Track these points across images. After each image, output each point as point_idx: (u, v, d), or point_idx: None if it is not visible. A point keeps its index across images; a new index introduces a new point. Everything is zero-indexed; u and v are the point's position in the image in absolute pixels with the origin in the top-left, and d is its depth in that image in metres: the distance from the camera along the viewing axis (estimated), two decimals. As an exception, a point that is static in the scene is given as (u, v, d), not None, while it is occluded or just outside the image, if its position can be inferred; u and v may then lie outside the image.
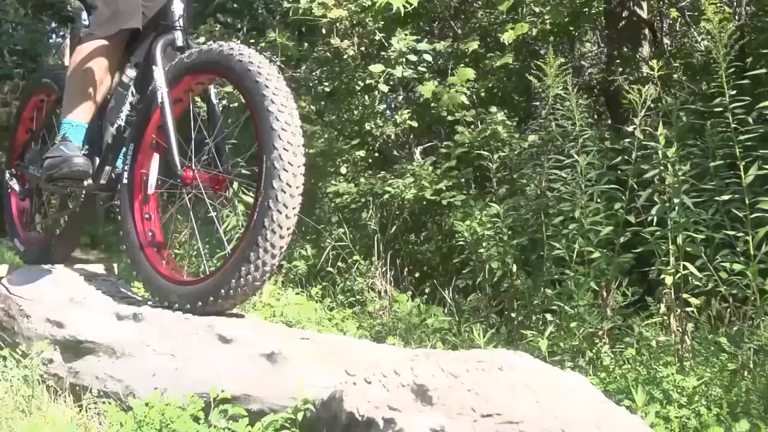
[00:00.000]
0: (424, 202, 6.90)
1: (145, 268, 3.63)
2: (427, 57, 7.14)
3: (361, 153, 7.73)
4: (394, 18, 6.93)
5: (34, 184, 4.45)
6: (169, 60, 3.67)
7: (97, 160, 3.88)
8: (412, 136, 7.88)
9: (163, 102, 3.48)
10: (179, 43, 3.71)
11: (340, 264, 6.58)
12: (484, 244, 5.70)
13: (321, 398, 2.56)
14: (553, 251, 4.83)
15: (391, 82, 7.20)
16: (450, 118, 7.17)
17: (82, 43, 3.85)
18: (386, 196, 6.97)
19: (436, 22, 8.95)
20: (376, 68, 6.95)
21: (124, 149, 3.78)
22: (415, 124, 7.47)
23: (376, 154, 8.05)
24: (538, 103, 6.54)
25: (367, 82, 7.23)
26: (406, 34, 6.99)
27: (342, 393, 2.40)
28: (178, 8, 3.73)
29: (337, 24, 6.75)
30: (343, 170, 7.76)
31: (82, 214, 4.27)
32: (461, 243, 5.97)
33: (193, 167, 3.49)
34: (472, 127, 7.12)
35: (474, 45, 7.62)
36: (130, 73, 3.89)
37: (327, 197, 7.71)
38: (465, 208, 6.51)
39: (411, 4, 6.35)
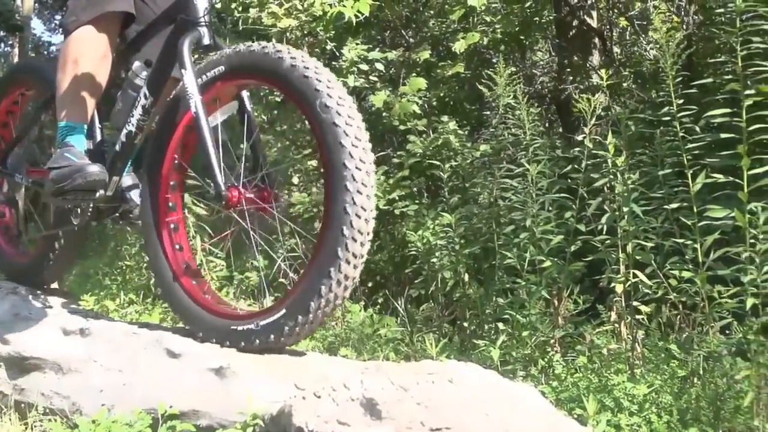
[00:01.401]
0: (377, 212, 6.86)
1: (187, 305, 3.21)
2: (379, 66, 7.13)
3: (314, 163, 7.70)
4: (345, 27, 6.92)
5: (17, 192, 4.07)
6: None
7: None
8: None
9: (197, 112, 2.99)
10: (206, 41, 3.20)
11: (292, 275, 6.53)
12: (436, 253, 5.70)
13: (270, 413, 2.53)
14: (505, 260, 4.84)
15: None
16: (402, 127, 7.17)
17: (69, 34, 3.41)
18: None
19: (388, 32, 8.95)
20: (327, 78, 6.90)
21: (143, 166, 3.40)
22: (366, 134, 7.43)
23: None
24: (489, 113, 6.57)
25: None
26: (357, 44, 6.97)
27: (291, 408, 2.37)
28: (202, 1, 3.22)
29: (288, 33, 6.71)
30: (296, 180, 7.73)
31: (83, 231, 3.86)
32: (414, 253, 5.97)
33: (239, 186, 3.02)
34: (424, 136, 7.12)
35: (425, 54, 7.64)
36: (139, 71, 3.41)
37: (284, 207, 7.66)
38: (417, 217, 6.51)
39: (362, 14, 6.33)
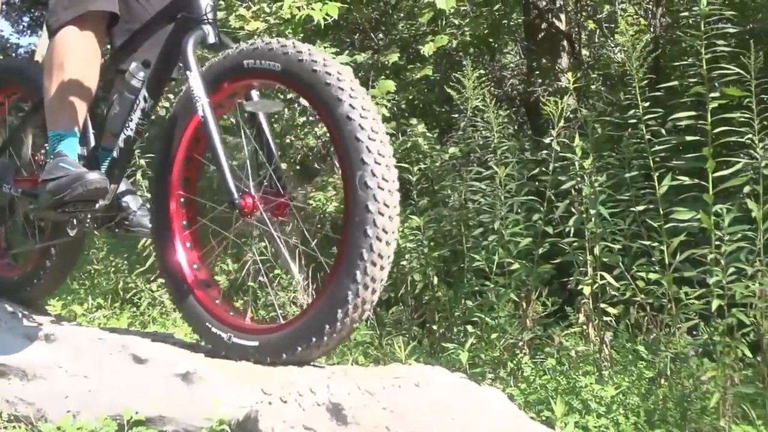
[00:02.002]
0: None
1: (206, 322, 3.07)
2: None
3: (283, 165, 7.68)
4: (314, 30, 6.91)
5: (3, 203, 3.79)
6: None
7: None
8: (332, 149, 7.85)
9: (205, 116, 2.82)
10: (211, 40, 3.01)
11: (261, 278, 6.51)
12: (405, 256, 5.70)
13: (237, 418, 2.52)
14: (474, 263, 4.85)
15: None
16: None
17: (53, 35, 3.25)
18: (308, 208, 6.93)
19: (357, 34, 8.95)
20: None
21: (151, 177, 3.24)
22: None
23: (298, 167, 8.01)
24: (458, 115, 6.58)
25: (288, 95, 7.18)
26: (326, 47, 6.96)
27: (257, 413, 2.36)
28: None
29: (256, 37, 6.68)
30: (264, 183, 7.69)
31: (79, 242, 3.67)
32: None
33: (252, 192, 2.83)
34: (393, 139, 7.12)
35: (394, 57, 7.64)
36: (137, 73, 3.23)
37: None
38: (387, 220, 6.48)
39: (331, 17, 6.32)
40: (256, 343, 2.86)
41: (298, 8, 6.33)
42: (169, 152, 3.11)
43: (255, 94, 3.05)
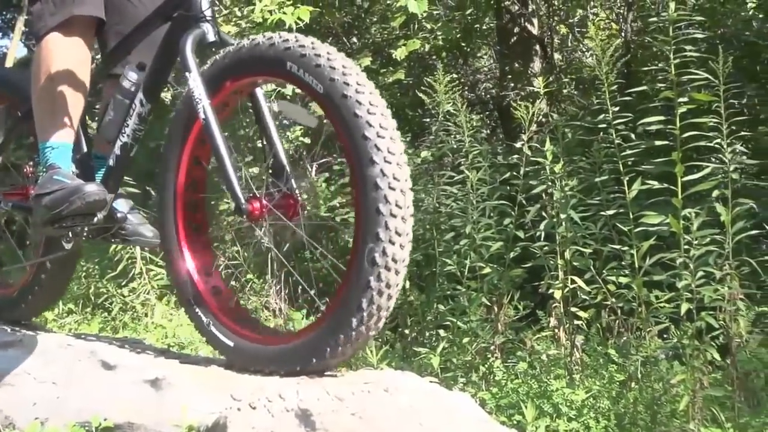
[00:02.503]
0: (318, 219, 6.86)
1: (218, 334, 2.95)
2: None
3: (255, 170, 7.66)
4: (286, 34, 6.89)
5: None
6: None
7: None
8: (305, 153, 7.84)
9: (207, 119, 2.66)
10: (211, 38, 2.84)
11: (233, 283, 6.48)
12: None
13: (206, 424, 2.51)
14: (446, 267, 4.86)
15: (287, 98, 7.15)
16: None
17: (40, 42, 3.08)
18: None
19: (329, 39, 8.95)
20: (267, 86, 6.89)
21: (159, 187, 3.04)
22: (308, 140, 7.43)
23: (270, 172, 7.99)
24: (429, 120, 6.59)
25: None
26: (298, 51, 6.94)
27: (226, 419, 2.35)
28: None
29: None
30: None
31: (74, 256, 3.51)
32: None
33: (260, 196, 2.70)
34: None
35: (367, 61, 7.64)
36: (132, 76, 3.07)
37: (221, 215, 7.61)
38: (359, 224, 6.49)
39: (303, 21, 6.31)
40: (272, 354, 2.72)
41: (270, 12, 6.32)
42: (173, 158, 2.98)
43: (259, 91, 2.88)
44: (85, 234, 3.11)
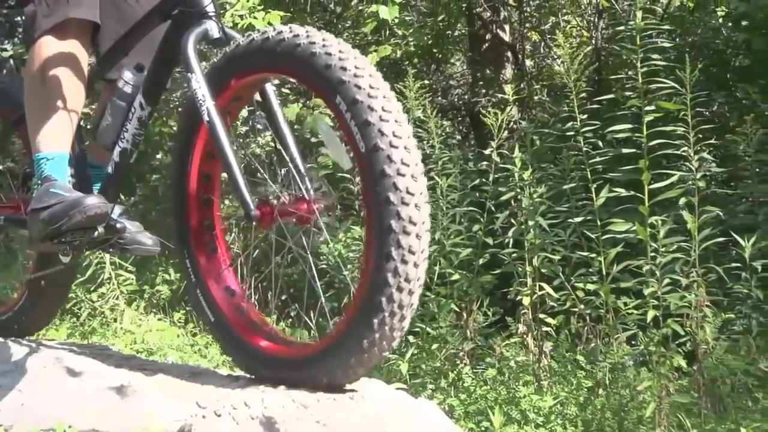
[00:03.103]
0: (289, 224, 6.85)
1: (243, 353, 2.77)
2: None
3: (224, 176, 7.63)
4: (257, 39, 6.87)
5: None
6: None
7: None
8: (276, 159, 7.81)
9: (212, 122, 2.49)
10: (215, 35, 2.66)
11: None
12: (348, 266, 5.69)
13: (171, 432, 2.50)
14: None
15: (254, 105, 7.13)
16: (314, 140, 7.14)
17: (33, 46, 2.90)
18: (250, 218, 6.89)
19: (301, 44, 8.94)
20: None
21: (174, 199, 2.89)
22: (279, 146, 7.40)
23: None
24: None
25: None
26: (269, 55, 6.93)
27: (191, 426, 2.34)
28: None
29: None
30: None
31: (71, 271, 3.36)
32: (325, 266, 5.95)
33: (270, 200, 2.53)
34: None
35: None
36: (130, 78, 2.90)
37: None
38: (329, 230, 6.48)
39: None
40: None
41: (241, 17, 6.31)
42: (183, 167, 2.80)
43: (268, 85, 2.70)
44: (84, 246, 2.94)
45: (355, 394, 2.30)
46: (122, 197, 7.42)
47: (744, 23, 6.69)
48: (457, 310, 4.72)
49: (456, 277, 4.66)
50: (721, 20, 7.72)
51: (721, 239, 4.18)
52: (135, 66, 2.93)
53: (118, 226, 2.92)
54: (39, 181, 2.85)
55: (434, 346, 4.49)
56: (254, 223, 2.47)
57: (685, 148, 3.95)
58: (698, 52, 7.97)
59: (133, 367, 3.01)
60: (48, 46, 2.87)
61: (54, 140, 2.88)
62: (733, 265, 4.28)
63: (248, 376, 2.82)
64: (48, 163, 2.86)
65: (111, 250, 3.04)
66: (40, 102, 2.89)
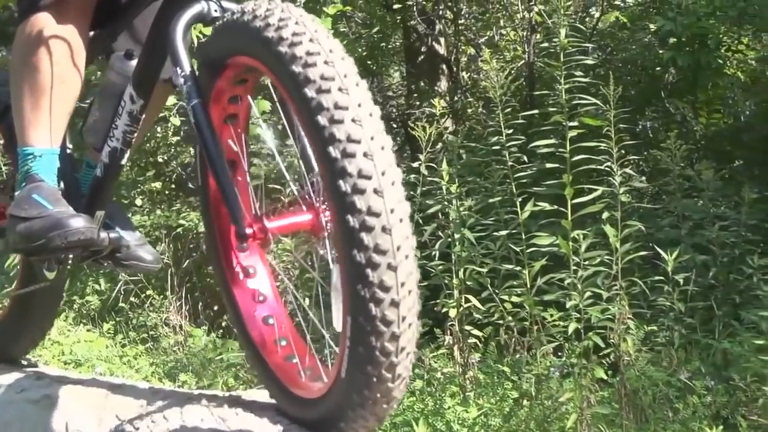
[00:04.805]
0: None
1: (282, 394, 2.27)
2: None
3: (158, 185, 7.60)
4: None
5: None
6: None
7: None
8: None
9: (198, 122, 2.05)
10: (213, 14, 2.16)
11: (133, 299, 6.41)
12: (279, 276, 5.69)
13: (89, 445, 2.48)
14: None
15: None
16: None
17: (24, 23, 2.45)
18: (180, 229, 6.86)
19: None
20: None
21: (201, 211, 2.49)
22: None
23: (173, 186, 7.93)
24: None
25: (161, 114, 7.09)
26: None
27: (109, 440, 2.33)
28: None
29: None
30: (139, 202, 7.57)
31: (60, 286, 2.99)
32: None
33: (259, 214, 2.06)
34: (270, 158, 7.10)
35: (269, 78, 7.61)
36: (119, 66, 2.52)
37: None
38: (262, 241, 6.48)
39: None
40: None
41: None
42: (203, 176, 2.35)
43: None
44: (71, 261, 2.52)
45: (272, 406, 2.31)
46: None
47: (671, 40, 6.84)
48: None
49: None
50: (650, 37, 7.88)
51: (645, 253, 4.26)
52: (124, 53, 2.55)
53: (111, 236, 2.56)
54: (23, 180, 2.42)
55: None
56: (245, 244, 2.16)
57: (609, 164, 4.02)
58: (632, 69, 8.13)
59: (53, 380, 2.98)
60: (43, 23, 2.43)
61: (43, 134, 2.45)
62: (657, 278, 4.36)
63: (169, 389, 2.81)
64: (35, 160, 2.44)
65: (105, 264, 2.68)
66: (28, 88, 2.46)
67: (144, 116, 2.43)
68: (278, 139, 2.38)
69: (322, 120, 1.73)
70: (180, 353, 5.68)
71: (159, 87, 2.44)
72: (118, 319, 6.31)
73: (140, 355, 5.58)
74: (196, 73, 2.13)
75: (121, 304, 6.41)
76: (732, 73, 7.85)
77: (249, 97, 2.20)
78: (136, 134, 2.45)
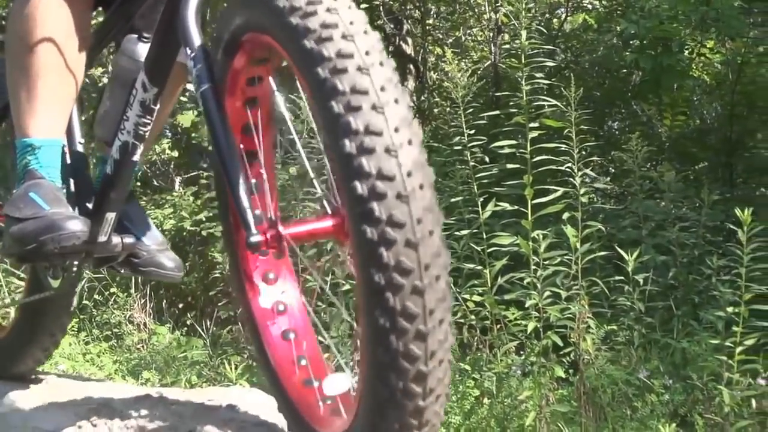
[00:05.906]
0: (185, 233, 6.82)
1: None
2: (188, 86, 7.06)
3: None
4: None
5: None
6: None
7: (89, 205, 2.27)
8: (173, 166, 7.76)
9: (207, 110, 1.80)
10: None
11: (97, 296, 6.39)
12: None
13: (48, 443, 2.48)
14: (308, 283, 4.88)
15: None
16: (211, 148, 7.13)
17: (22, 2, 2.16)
18: (144, 226, 6.85)
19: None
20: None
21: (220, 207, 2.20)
22: (175, 153, 7.38)
23: (138, 183, 7.91)
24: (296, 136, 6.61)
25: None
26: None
27: (67, 437, 2.33)
28: None
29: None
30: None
31: (69, 296, 2.61)
32: (219, 274, 5.95)
33: (274, 219, 1.69)
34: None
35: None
36: (134, 51, 2.25)
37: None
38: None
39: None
40: None
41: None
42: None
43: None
44: (76, 267, 2.34)
45: (237, 403, 2.33)
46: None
47: (634, 43, 6.91)
48: (350, 320, 4.75)
49: (347, 287, 4.70)
50: (615, 39, 7.94)
51: (606, 253, 4.30)
52: (137, 36, 2.29)
53: (126, 240, 2.33)
54: (21, 175, 2.17)
55: (326, 355, 4.51)
56: (254, 251, 1.79)
57: (569, 164, 4.06)
58: (598, 70, 8.18)
59: (11, 378, 2.97)
60: (43, 3, 2.16)
61: (44, 123, 2.18)
62: (618, 278, 4.41)
63: (129, 386, 2.81)
64: (34, 152, 2.17)
65: (122, 270, 2.45)
66: (27, 72, 2.18)
67: (158, 106, 2.15)
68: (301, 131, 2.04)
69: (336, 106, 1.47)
70: (144, 351, 5.67)
71: (174, 73, 2.16)
72: (81, 316, 6.28)
73: (104, 353, 5.56)
74: (208, 53, 1.86)
75: (85, 302, 6.38)
76: (697, 76, 7.93)
77: (270, 79, 1.87)
78: (149, 127, 2.17)
